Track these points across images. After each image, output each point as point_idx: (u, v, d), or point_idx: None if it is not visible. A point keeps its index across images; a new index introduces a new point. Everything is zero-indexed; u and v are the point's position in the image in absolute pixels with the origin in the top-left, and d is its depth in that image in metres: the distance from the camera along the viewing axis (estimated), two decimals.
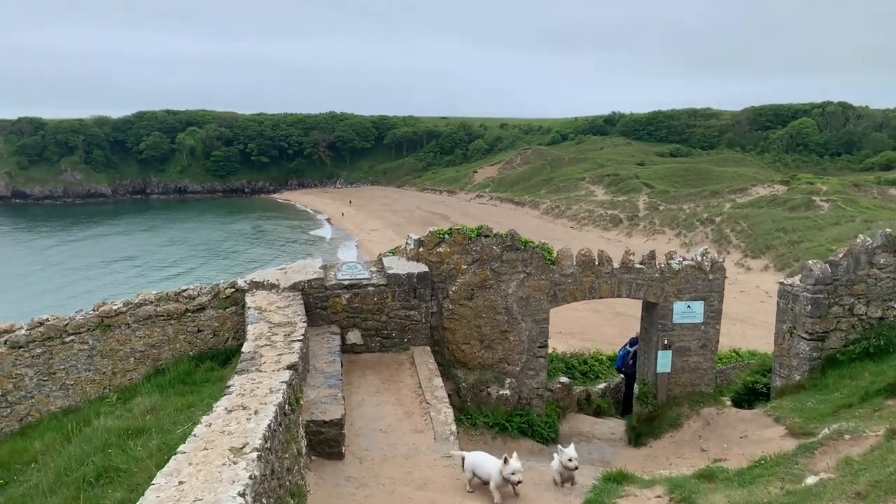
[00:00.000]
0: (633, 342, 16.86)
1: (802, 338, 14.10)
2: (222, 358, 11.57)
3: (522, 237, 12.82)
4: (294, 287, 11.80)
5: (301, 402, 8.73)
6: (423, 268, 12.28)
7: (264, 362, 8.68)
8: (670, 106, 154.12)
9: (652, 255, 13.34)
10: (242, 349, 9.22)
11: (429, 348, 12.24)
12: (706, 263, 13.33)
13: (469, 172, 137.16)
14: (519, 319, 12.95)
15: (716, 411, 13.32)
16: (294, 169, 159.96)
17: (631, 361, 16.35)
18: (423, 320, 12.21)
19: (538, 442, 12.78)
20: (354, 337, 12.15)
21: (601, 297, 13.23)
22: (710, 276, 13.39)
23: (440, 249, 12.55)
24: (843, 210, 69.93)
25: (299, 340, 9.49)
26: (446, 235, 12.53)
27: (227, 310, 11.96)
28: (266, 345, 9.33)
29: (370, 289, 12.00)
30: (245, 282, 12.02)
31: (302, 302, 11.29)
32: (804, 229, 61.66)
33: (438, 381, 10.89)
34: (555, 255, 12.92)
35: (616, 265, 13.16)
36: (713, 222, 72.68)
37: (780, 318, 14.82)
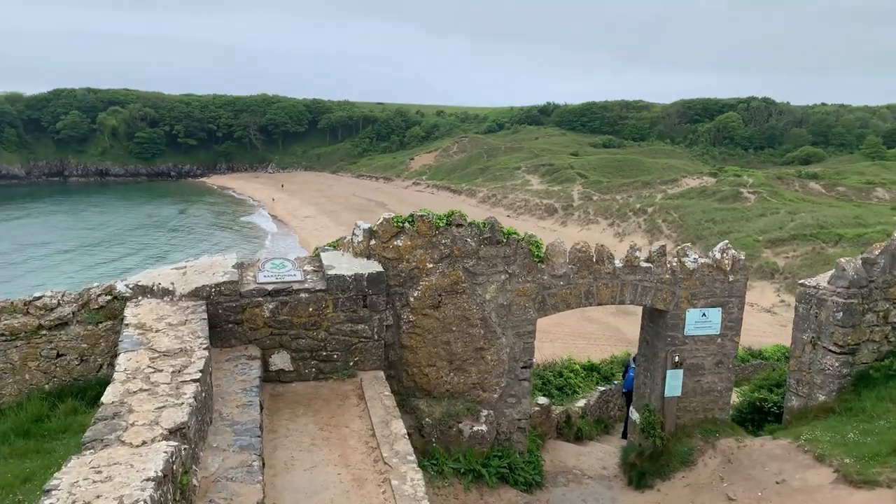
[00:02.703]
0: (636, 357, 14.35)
1: (830, 350, 11.73)
2: (93, 394, 8.17)
3: (505, 227, 9.89)
4: (196, 294, 8.51)
5: (195, 481, 5.57)
6: (375, 266, 9.19)
7: (132, 424, 5.46)
8: (604, 97, 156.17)
9: (662, 252, 10.64)
10: (102, 398, 5.96)
11: (382, 374, 9.18)
12: (726, 262, 10.73)
13: (405, 159, 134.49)
14: (498, 333, 10.03)
15: (735, 444, 10.79)
16: (223, 152, 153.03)
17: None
18: (376, 336, 9.14)
19: (522, 491, 9.95)
20: (281, 361, 8.97)
21: (600, 304, 10.46)
22: (731, 278, 10.81)
23: (398, 242, 9.48)
24: (769, 202, 72.72)
25: (194, 381, 6.29)
26: (407, 224, 9.47)
27: (102, 325, 8.58)
28: (142, 389, 6.09)
29: (303, 295, 8.83)
30: (127, 286, 8.64)
31: (205, 315, 8.04)
32: (733, 220, 64.11)
33: (399, 426, 7.84)
34: (544, 250, 10.06)
35: (619, 263, 10.40)
36: (646, 213, 74.68)
37: (798, 325, 12.41)
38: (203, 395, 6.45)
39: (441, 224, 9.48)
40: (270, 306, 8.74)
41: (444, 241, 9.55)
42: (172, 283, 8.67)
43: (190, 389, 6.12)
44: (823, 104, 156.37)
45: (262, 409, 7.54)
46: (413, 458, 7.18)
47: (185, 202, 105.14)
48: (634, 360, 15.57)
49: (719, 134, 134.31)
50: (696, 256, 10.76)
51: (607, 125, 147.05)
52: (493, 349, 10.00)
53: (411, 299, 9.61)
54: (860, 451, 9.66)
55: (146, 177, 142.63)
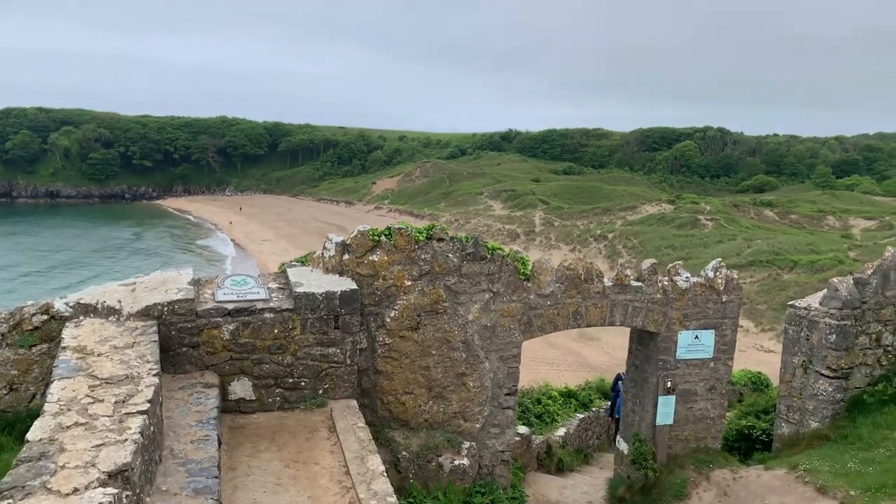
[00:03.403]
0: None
1: (823, 375, 11.25)
2: (23, 428, 7.05)
3: (490, 242, 9.15)
4: (146, 313, 7.52)
5: None
6: (348, 284, 8.33)
7: (63, 466, 4.51)
8: (565, 125, 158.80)
9: (653, 270, 10.03)
10: (27, 435, 4.97)
11: (355, 403, 8.29)
12: (719, 281, 10.17)
13: (367, 184, 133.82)
14: (481, 357, 9.23)
15: (731, 475, 10.14)
16: (180, 175, 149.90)
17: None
18: (349, 361, 8.26)
19: None
20: (242, 389, 8.00)
21: (588, 325, 9.77)
22: (724, 298, 10.24)
23: (374, 258, 8.65)
24: (726, 229, 74.79)
25: (141, 413, 5.34)
26: (384, 237, 8.65)
27: (36, 349, 7.50)
28: (78, 423, 5.12)
29: (267, 315, 7.92)
30: (67, 304, 7.60)
31: (156, 337, 7.07)
32: (691, 246, 65.56)
33: (376, 462, 6.95)
34: (530, 267, 9.34)
35: (608, 282, 9.74)
36: (606, 238, 76.14)
37: (788, 349, 11.94)
38: (151, 429, 5.50)
39: (421, 238, 8.70)
40: (230, 327, 7.80)
41: (423, 257, 8.76)
42: (119, 301, 7.67)
43: (135, 423, 5.17)
44: (776, 135, 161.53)
45: (219, 444, 6.59)
46: (394, 499, 6.31)
47: (141, 225, 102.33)
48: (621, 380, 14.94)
49: (676, 162, 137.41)
50: (689, 275, 10.18)
51: (568, 152, 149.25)
52: (475, 375, 9.20)
53: (388, 320, 8.77)
54: (864, 483, 9.10)
55: (99, 199, 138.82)
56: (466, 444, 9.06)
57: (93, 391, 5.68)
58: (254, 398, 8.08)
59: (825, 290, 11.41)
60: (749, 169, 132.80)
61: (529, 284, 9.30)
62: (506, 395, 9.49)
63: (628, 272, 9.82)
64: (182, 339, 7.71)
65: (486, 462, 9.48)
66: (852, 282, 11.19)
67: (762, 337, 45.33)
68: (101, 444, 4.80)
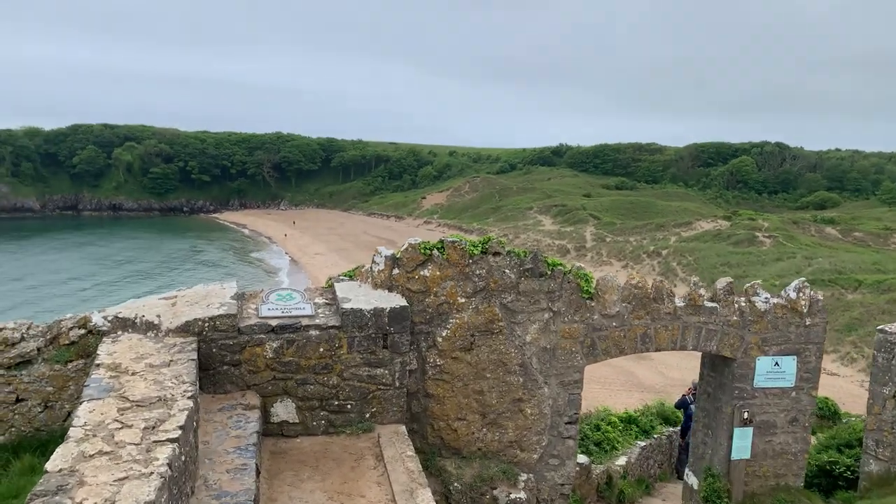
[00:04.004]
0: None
1: None
2: (55, 447, 6.75)
3: (550, 258, 8.49)
4: (185, 329, 7.11)
5: None
6: (398, 300, 7.78)
7: (80, 503, 4.03)
8: (616, 140, 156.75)
9: (729, 290, 9.18)
10: (46, 465, 4.54)
11: (403, 428, 7.70)
12: (802, 302, 9.25)
13: (417, 198, 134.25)
14: (540, 382, 8.54)
15: None
16: (236, 189, 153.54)
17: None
18: (397, 383, 7.69)
19: None
20: (285, 411, 7.51)
21: (658, 349, 8.98)
22: (808, 321, 9.31)
23: (425, 272, 8.08)
24: (785, 246, 72.08)
25: (172, 441, 4.86)
26: (436, 251, 8.08)
27: (72, 364, 7.17)
28: (102, 452, 4.67)
29: (313, 333, 7.42)
30: (105, 318, 7.26)
31: (195, 355, 6.63)
32: (748, 264, 63.39)
33: (426, 497, 6.33)
34: (594, 285, 8.63)
35: (680, 302, 8.94)
36: (660, 255, 74.41)
37: (877, 378, 10.85)
38: (183, 458, 5.01)
39: (475, 252, 8.10)
40: (274, 345, 7.33)
41: (478, 272, 8.15)
42: (159, 316, 7.29)
43: (164, 453, 4.69)
44: (837, 149, 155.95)
45: (258, 473, 6.08)
46: None
47: (197, 238, 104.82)
48: (694, 394, 14.01)
49: (732, 178, 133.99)
50: (768, 296, 9.30)
51: (620, 167, 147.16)
52: (533, 401, 8.51)
53: (439, 339, 8.18)
54: None
55: (159, 212, 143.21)
56: (523, 477, 8.36)
57: (122, 415, 5.24)
58: (297, 421, 7.58)
59: None
60: (809, 185, 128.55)
61: (593, 304, 8.58)
62: (566, 423, 8.76)
63: (702, 291, 9.01)
64: (223, 357, 7.27)
65: (544, 496, 8.76)
66: None
67: (825, 360, 43.06)
68: (125, 478, 4.32)
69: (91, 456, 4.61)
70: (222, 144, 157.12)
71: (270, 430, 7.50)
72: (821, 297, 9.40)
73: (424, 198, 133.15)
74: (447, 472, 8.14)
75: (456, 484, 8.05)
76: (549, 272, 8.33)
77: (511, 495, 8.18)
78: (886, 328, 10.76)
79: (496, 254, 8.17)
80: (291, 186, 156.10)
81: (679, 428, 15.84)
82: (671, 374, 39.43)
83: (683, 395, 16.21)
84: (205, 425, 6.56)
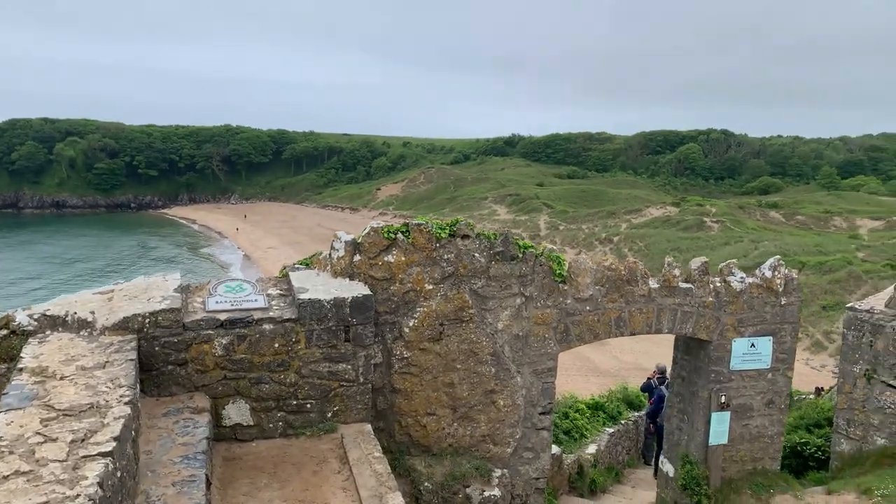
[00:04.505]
0: (664, 381, 12.66)
1: (890, 385, 10.03)
2: None
3: (521, 240, 8.00)
4: (123, 326, 6.39)
5: None
6: (361, 289, 7.19)
7: None
8: (567, 129, 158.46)
9: (704, 270, 8.86)
10: None
11: (369, 427, 7.13)
12: (778, 281, 8.99)
13: (372, 190, 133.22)
14: (513, 371, 8.06)
15: (795, 502, 8.93)
16: (185, 183, 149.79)
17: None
18: (361, 379, 7.10)
19: None
20: (238, 413, 6.85)
21: (632, 333, 8.59)
22: (783, 301, 9.06)
23: (390, 258, 7.50)
24: (732, 231, 74.23)
25: (104, 455, 4.20)
26: (400, 235, 7.50)
27: None
28: (18, 472, 3.98)
29: (267, 327, 6.77)
30: (30, 316, 6.47)
31: (134, 355, 5.93)
32: (697, 249, 65.01)
33: (397, 502, 5.79)
34: (566, 268, 8.18)
35: (654, 284, 8.57)
36: (612, 241, 75.79)
37: (848, 356, 10.73)
38: (119, 474, 4.35)
39: (443, 235, 7.55)
40: (224, 341, 6.66)
41: (446, 257, 7.60)
42: (93, 313, 6.54)
43: (95, 470, 4.02)
44: (780, 136, 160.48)
45: (209, 484, 5.43)
46: None
47: (147, 234, 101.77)
48: (660, 377, 13.79)
49: (680, 165, 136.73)
50: (744, 276, 9.01)
51: (571, 157, 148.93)
52: (506, 392, 8.03)
53: (406, 330, 7.61)
54: None
55: (105, 208, 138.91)
56: (497, 472, 7.88)
57: (46, 427, 4.54)
58: (252, 423, 6.93)
59: (891, 290, 10.22)
60: (753, 171, 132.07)
61: (566, 287, 8.14)
62: (540, 414, 8.31)
63: (676, 272, 8.65)
64: (167, 356, 6.57)
65: (518, 491, 8.31)
66: None
67: None
68: (45, 503, 3.66)
69: (6, 477, 3.92)
70: (169, 138, 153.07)
71: (223, 434, 6.84)
72: (795, 276, 9.16)
73: (379, 189, 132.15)
74: (417, 471, 7.60)
75: (426, 484, 7.53)
76: (520, 255, 7.84)
77: (485, 493, 7.70)
78: (856, 306, 10.63)
79: (465, 237, 7.63)
80: (242, 180, 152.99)
81: (645, 412, 15.66)
82: (625, 357, 39.81)
83: (648, 379, 16.04)
84: (147, 432, 5.88)
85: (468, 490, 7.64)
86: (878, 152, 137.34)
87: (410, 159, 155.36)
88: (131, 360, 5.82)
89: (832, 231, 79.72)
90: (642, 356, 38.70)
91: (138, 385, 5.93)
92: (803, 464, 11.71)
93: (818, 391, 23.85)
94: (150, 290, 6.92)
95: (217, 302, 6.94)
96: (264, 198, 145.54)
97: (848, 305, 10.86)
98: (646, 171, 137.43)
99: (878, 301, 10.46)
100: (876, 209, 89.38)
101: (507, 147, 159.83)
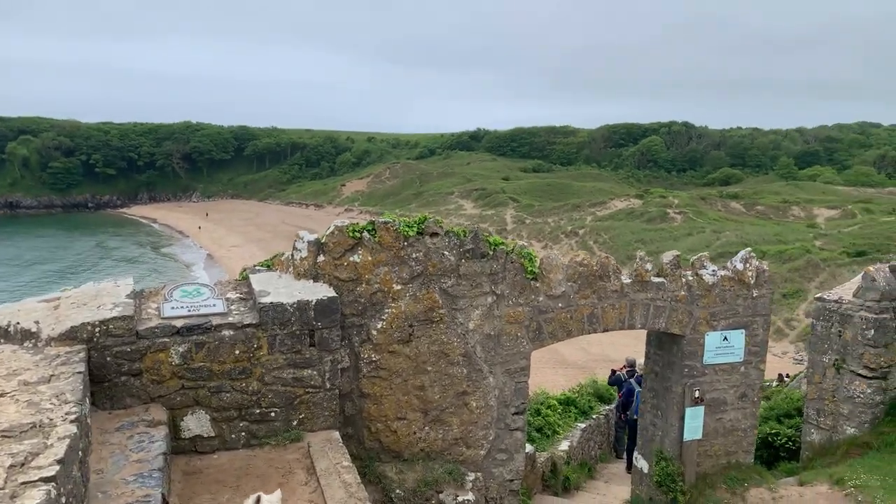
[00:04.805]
0: (637, 378, 12.59)
1: (859, 375, 10.09)
2: None
3: (491, 237, 7.77)
4: (71, 336, 5.98)
5: None
6: (325, 291, 6.87)
7: None
8: (532, 123, 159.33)
9: (675, 264, 8.74)
10: None
11: (337, 434, 6.83)
12: (749, 274, 8.92)
13: (337, 186, 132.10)
14: (485, 372, 7.83)
15: (769, 495, 8.88)
16: (145, 182, 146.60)
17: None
18: (328, 384, 6.80)
19: None
20: (198, 425, 6.50)
21: (605, 329, 8.44)
22: (755, 293, 9.00)
23: (355, 258, 7.20)
24: (694, 221, 75.55)
25: (46, 480, 3.84)
26: (366, 233, 7.20)
27: None
28: None
29: (226, 333, 6.42)
30: None
31: (82, 367, 5.54)
32: (661, 240, 66.01)
33: None
34: (538, 264, 7.97)
35: (626, 279, 8.43)
36: (577, 234, 76.54)
37: (817, 347, 10.77)
38: (63, 500, 4.00)
39: (411, 233, 7.28)
40: (181, 349, 6.29)
41: (414, 256, 7.33)
42: (37, 322, 6.12)
43: (35, 498, 3.67)
44: (739, 128, 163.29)
45: (165, 502, 5.10)
46: None
47: (106, 234, 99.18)
48: (630, 371, 13.74)
49: (643, 157, 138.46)
50: (715, 269, 8.92)
51: (536, 150, 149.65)
52: (478, 393, 7.80)
53: (374, 332, 7.33)
54: None
55: (61, 208, 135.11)
56: (471, 476, 7.65)
57: None
58: (213, 434, 6.58)
59: (859, 280, 10.26)
60: (714, 162, 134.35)
61: (538, 284, 7.93)
62: (513, 414, 8.11)
63: (648, 266, 8.51)
64: (120, 367, 6.18)
65: (492, 494, 8.10)
66: (888, 270, 10.05)
67: None
68: None
69: None
70: (127, 136, 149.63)
71: (182, 447, 6.48)
72: (766, 267, 9.10)
73: (344, 185, 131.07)
74: (387, 478, 7.33)
75: (398, 491, 7.26)
76: (491, 252, 7.61)
77: (458, 498, 7.47)
78: (825, 296, 10.66)
79: (434, 234, 7.37)
80: (203, 177, 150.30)
81: (614, 405, 15.62)
82: (593, 349, 40.04)
83: (615, 372, 16.00)
84: (99, 449, 5.50)
85: (441, 496, 7.40)
86: (833, 143, 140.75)
87: (375, 154, 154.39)
88: (79, 372, 5.43)
89: (791, 220, 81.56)
90: (609, 348, 38.98)
91: (88, 399, 5.56)
92: (774, 454, 11.76)
93: (781, 378, 24.23)
94: (101, 297, 6.51)
95: (173, 308, 6.57)
96: (227, 195, 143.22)
97: (816, 296, 10.90)
98: (609, 164, 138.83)
99: (845, 291, 10.50)
100: (832, 198, 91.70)
101: (472, 141, 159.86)
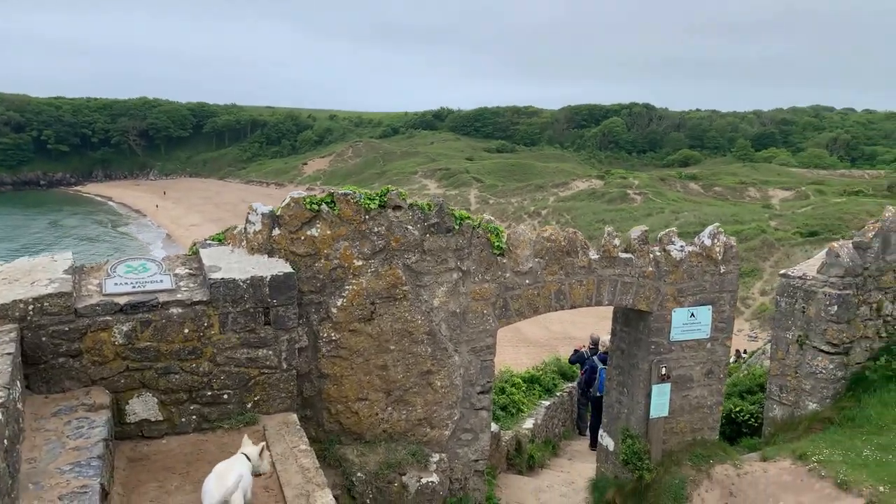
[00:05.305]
0: (601, 355, 12.49)
1: (822, 351, 10.10)
2: None
3: (457, 210, 7.46)
4: (1, 314, 5.52)
5: None
6: (281, 266, 6.50)
7: None
8: (496, 103, 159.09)
9: (644, 239, 8.56)
10: None
11: (295, 417, 6.52)
12: (717, 249, 8.80)
13: (298, 164, 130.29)
14: (450, 350, 7.56)
15: (734, 471, 8.84)
16: (100, 159, 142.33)
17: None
18: (285, 365, 6.46)
19: None
20: (144, 408, 6.10)
21: (573, 306, 8.23)
22: (722, 269, 8.89)
23: (313, 232, 6.83)
24: (654, 202, 76.64)
25: None
26: (325, 206, 6.83)
27: None
28: None
29: (174, 311, 6.02)
30: None
31: (12, 348, 5.10)
32: (621, 220, 66.85)
33: (326, 500, 5.23)
34: (505, 239, 7.71)
35: (594, 255, 8.22)
36: (540, 215, 76.99)
37: (780, 323, 10.76)
38: None
39: (372, 206, 6.93)
40: (124, 328, 5.87)
41: (376, 230, 6.99)
42: None
43: None
44: (698, 110, 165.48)
45: (105, 495, 4.73)
46: None
47: (58, 212, 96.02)
48: (593, 348, 13.64)
49: (605, 138, 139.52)
50: (683, 244, 8.77)
51: (500, 130, 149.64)
52: (443, 372, 7.53)
53: (333, 310, 6.99)
54: (891, 475, 7.93)
55: (11, 186, 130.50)
56: (435, 457, 7.41)
57: None
58: (161, 419, 6.20)
59: (823, 256, 10.24)
60: (674, 144, 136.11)
61: (505, 260, 7.67)
62: (479, 393, 7.88)
63: (616, 242, 8.32)
64: (57, 347, 5.74)
65: (457, 475, 7.88)
66: (852, 246, 10.05)
67: None
68: None
69: None
70: (81, 111, 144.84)
71: (127, 432, 6.09)
72: (734, 243, 9.00)
73: (306, 164, 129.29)
74: (348, 461, 7.05)
75: (359, 474, 6.99)
76: (456, 227, 7.31)
77: (422, 480, 7.23)
78: (789, 272, 10.64)
79: (397, 207, 7.03)
80: (161, 155, 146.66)
81: (577, 382, 15.56)
82: (554, 327, 40.31)
83: (577, 350, 15.91)
84: (33, 437, 5.10)
85: (404, 478, 7.15)
86: (788, 126, 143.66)
87: (337, 133, 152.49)
88: (8, 353, 5.00)
89: (747, 201, 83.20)
90: (571, 326, 39.28)
91: (19, 382, 5.13)
92: (736, 430, 11.79)
93: (738, 355, 24.62)
94: (35, 273, 6.03)
95: (116, 284, 6.13)
96: (185, 173, 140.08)
97: (781, 272, 10.87)
98: (572, 145, 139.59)
99: (809, 268, 10.48)
100: (787, 180, 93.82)
101: (435, 120, 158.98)
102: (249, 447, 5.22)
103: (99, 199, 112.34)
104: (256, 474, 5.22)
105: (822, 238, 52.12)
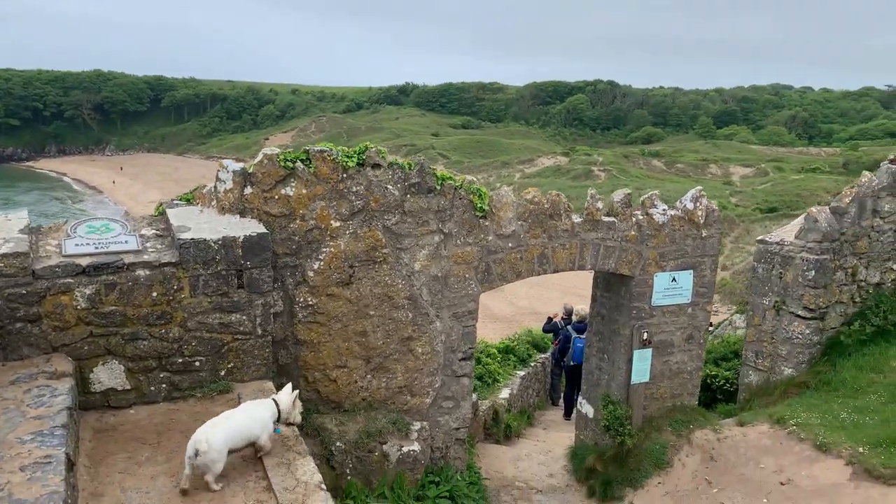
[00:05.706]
0: (574, 325, 12.36)
1: (798, 316, 10.13)
2: None
3: (439, 171, 7.17)
4: None
5: None
6: (255, 227, 6.15)
7: None
8: (461, 79, 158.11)
9: (626, 202, 8.39)
10: None
11: (270, 384, 6.22)
12: (699, 213, 8.68)
13: (260, 139, 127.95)
14: (431, 316, 7.31)
15: (714, 436, 8.83)
16: (52, 133, 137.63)
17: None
18: (260, 330, 6.13)
19: None
20: (110, 377, 5.73)
21: (556, 270, 8.04)
22: (704, 233, 8.78)
23: (288, 191, 6.47)
24: (618, 179, 77.49)
25: None
26: (300, 164, 6.47)
27: None
28: None
29: (141, 273, 5.64)
30: None
31: None
32: (586, 197, 66.40)
33: (308, 469, 4.97)
34: (487, 201, 7.45)
35: (577, 218, 8.02)
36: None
37: (757, 289, 10.76)
38: None
39: (350, 164, 6.59)
40: (87, 291, 5.48)
41: (355, 189, 6.66)
42: None
43: None
44: (661, 87, 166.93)
45: (70, 465, 4.39)
46: None
47: (10, 189, 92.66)
48: (566, 318, 13.53)
49: (569, 115, 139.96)
50: (665, 208, 8.62)
51: (465, 106, 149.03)
52: (424, 338, 7.28)
53: (310, 273, 6.66)
54: (869, 436, 7.98)
55: None
56: (416, 426, 7.19)
57: None
58: (129, 387, 5.84)
59: (800, 222, 10.23)
60: (637, 121, 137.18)
61: (487, 223, 7.42)
62: (460, 360, 7.66)
63: (599, 205, 8.13)
64: (14, 312, 5.33)
65: (438, 443, 7.68)
66: (829, 211, 10.04)
67: None
68: None
69: None
70: (31, 84, 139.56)
71: (92, 402, 5.72)
72: (716, 207, 8.89)
73: (268, 139, 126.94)
74: (327, 430, 6.78)
75: (339, 443, 6.73)
76: (438, 187, 7.02)
77: (403, 448, 7.00)
78: (767, 238, 10.62)
79: (376, 166, 6.70)
80: (117, 129, 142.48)
81: (550, 353, 15.48)
82: (520, 303, 40.42)
83: (551, 319, 15.80)
84: None
85: (385, 447, 6.92)
86: (748, 103, 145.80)
87: (300, 107, 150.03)
88: None
89: (709, 178, 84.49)
90: (536, 301, 39.42)
91: None
92: (712, 396, 11.82)
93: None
94: None
95: (77, 245, 5.72)
96: (143, 149, 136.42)
97: (758, 238, 10.85)
98: (537, 122, 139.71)
99: (786, 233, 10.47)
100: (747, 157, 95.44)
101: (400, 96, 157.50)
102: (283, 394, 5.31)
103: (53, 174, 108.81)
104: (288, 423, 5.33)
105: (780, 214, 53.16)
